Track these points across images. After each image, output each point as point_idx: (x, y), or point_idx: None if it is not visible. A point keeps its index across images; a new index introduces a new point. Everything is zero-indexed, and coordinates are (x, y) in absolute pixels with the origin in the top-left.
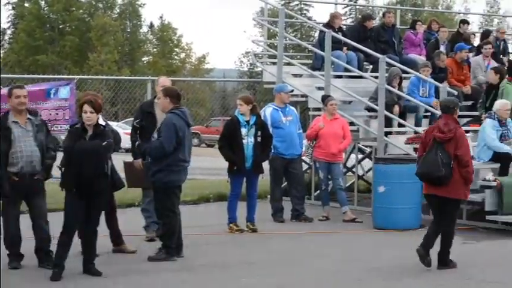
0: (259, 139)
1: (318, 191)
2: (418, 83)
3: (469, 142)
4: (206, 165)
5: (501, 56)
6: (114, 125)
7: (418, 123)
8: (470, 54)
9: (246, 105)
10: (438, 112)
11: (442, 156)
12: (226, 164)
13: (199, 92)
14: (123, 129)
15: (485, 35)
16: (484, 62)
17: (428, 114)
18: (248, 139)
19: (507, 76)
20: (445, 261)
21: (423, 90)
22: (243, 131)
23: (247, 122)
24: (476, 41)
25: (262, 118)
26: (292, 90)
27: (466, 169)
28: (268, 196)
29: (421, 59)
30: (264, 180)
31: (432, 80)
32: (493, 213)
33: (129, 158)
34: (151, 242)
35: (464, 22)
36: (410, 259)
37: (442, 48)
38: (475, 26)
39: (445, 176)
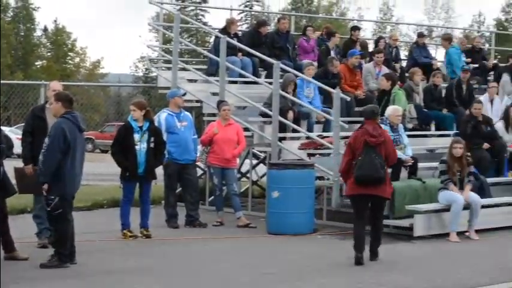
0: (152, 145)
1: (212, 197)
2: (302, 83)
3: None
4: (100, 170)
5: (393, 63)
6: (6, 130)
7: (310, 129)
8: (363, 61)
9: (139, 111)
10: (330, 118)
11: (379, 159)
12: (119, 170)
13: (94, 97)
14: (15, 134)
15: (378, 42)
16: (375, 69)
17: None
18: (141, 145)
19: (399, 82)
20: (377, 253)
21: (308, 90)
22: (136, 136)
23: (141, 127)
24: (370, 48)
25: (157, 123)
26: (185, 94)
27: (387, 168)
28: (163, 202)
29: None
30: (158, 185)
31: (315, 81)
32: (385, 218)
33: (21, 163)
34: (43, 248)
35: (356, 28)
36: (303, 263)
37: (333, 54)
38: (368, 33)
39: (383, 177)
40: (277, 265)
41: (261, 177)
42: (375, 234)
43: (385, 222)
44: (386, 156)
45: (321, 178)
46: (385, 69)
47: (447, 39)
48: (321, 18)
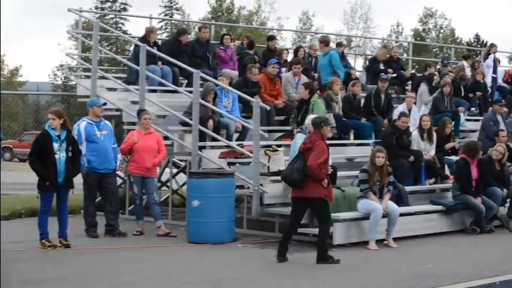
0: (70, 154)
1: (132, 206)
2: (221, 94)
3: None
4: (18, 180)
5: (313, 72)
6: None
7: (230, 138)
8: (284, 69)
9: (58, 120)
10: (250, 126)
11: (299, 163)
12: (38, 179)
13: (12, 106)
14: None
15: (297, 51)
16: (295, 78)
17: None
18: (60, 154)
19: (318, 91)
20: (324, 257)
21: (226, 100)
22: (55, 145)
23: (59, 136)
24: (290, 57)
25: (76, 132)
26: (105, 104)
27: (312, 172)
28: (82, 211)
29: (234, 73)
30: (75, 194)
31: (234, 90)
32: (305, 226)
33: None
34: None
35: (272, 38)
36: (223, 272)
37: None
38: (288, 43)
39: (297, 179)
40: (197, 274)
41: (181, 186)
42: (318, 240)
43: (305, 230)
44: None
45: (241, 187)
46: (304, 79)
47: (323, 41)
48: (241, 27)
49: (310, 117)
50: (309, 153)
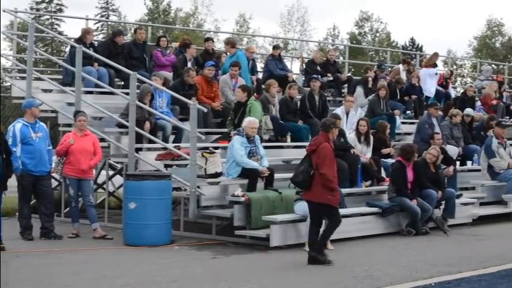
0: (4, 156)
1: (68, 208)
2: (155, 94)
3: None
4: None
5: (250, 75)
6: None
7: (166, 140)
8: (220, 71)
9: None
10: (187, 128)
11: (304, 165)
12: None
13: None
14: None
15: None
16: (232, 80)
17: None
18: None
19: (255, 94)
20: (316, 259)
21: (161, 100)
22: None
23: None
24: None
25: (11, 134)
26: (41, 104)
27: (323, 176)
28: (17, 213)
29: (170, 75)
30: (13, 197)
31: (167, 90)
32: (242, 228)
33: None
34: None
35: (209, 40)
36: (159, 275)
37: (189, 65)
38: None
39: (302, 181)
40: (134, 277)
41: (118, 188)
42: (320, 235)
43: (242, 232)
44: (317, 165)
45: (178, 189)
46: (241, 81)
47: (229, 43)
48: (178, 29)
49: (247, 120)
50: (314, 156)
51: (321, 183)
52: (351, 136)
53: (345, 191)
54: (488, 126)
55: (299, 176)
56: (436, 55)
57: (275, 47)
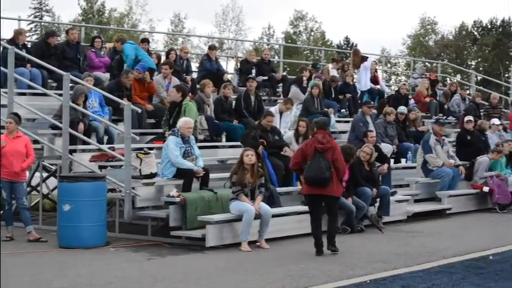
0: None
1: (1, 211)
2: (89, 94)
3: None
4: None
5: (184, 75)
6: None
7: (100, 141)
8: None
9: None
10: (120, 130)
11: (324, 162)
12: None
13: None
14: None
15: (168, 54)
16: (165, 80)
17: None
18: None
19: (190, 94)
20: (335, 245)
21: (91, 101)
22: None
23: None
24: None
25: None
26: None
27: (340, 171)
28: None
29: (105, 77)
30: None
31: (99, 90)
32: (177, 229)
33: None
34: None
35: (145, 41)
36: (94, 277)
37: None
38: (160, 45)
39: (328, 178)
40: (69, 279)
41: (52, 190)
42: (329, 231)
43: (178, 233)
44: (333, 160)
45: (112, 190)
46: (175, 81)
47: (119, 40)
48: (112, 29)
49: (182, 120)
50: (329, 153)
51: (337, 178)
52: (287, 135)
53: (280, 190)
54: (409, 118)
55: (325, 173)
56: (355, 54)
57: (211, 48)
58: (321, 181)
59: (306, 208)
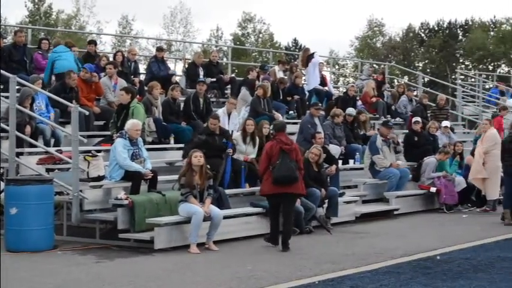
0: None
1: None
2: (36, 96)
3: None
4: None
5: (132, 77)
6: None
7: (47, 144)
8: (102, 74)
9: None
10: (68, 132)
11: (293, 162)
12: None
13: None
14: None
15: (115, 56)
16: (111, 82)
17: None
18: None
19: (137, 96)
20: (288, 245)
21: (38, 103)
22: None
23: None
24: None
25: None
26: None
27: (302, 170)
28: None
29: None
30: None
31: (43, 91)
32: (126, 231)
33: None
34: None
35: (92, 42)
36: (42, 281)
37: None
38: (108, 47)
39: (298, 176)
40: (16, 283)
41: None
42: (287, 228)
43: (126, 236)
44: (297, 161)
45: (60, 193)
46: (121, 82)
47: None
48: (60, 31)
49: (130, 122)
50: (293, 153)
51: (301, 176)
52: (235, 135)
53: (228, 191)
54: (358, 120)
55: (296, 172)
56: (305, 51)
57: (159, 49)
58: (292, 180)
59: (254, 210)
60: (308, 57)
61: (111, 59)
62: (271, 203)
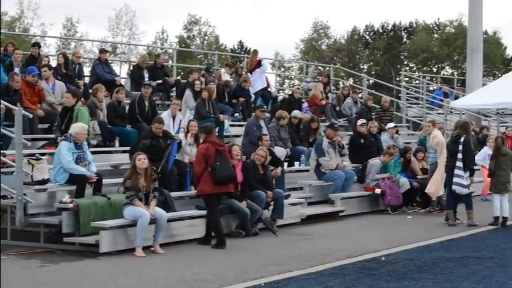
0: None
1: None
2: None
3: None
4: None
5: (77, 79)
6: None
7: None
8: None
9: None
10: (12, 135)
11: (229, 163)
12: None
13: None
14: None
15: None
16: (48, 84)
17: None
18: None
19: (82, 99)
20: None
21: None
22: None
23: None
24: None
25: None
26: None
27: None
28: None
29: None
30: None
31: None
32: (71, 235)
33: None
34: None
35: (35, 45)
36: None
37: (17, 70)
38: (52, 49)
39: (236, 176)
40: None
41: None
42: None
43: (71, 239)
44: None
45: (4, 197)
46: (59, 84)
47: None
48: (3, 33)
49: (78, 126)
50: (226, 154)
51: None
52: (180, 137)
53: (174, 194)
54: (310, 128)
55: (234, 172)
56: (254, 53)
57: (102, 51)
58: (232, 179)
59: (199, 212)
60: (257, 64)
61: (55, 61)
62: (211, 203)
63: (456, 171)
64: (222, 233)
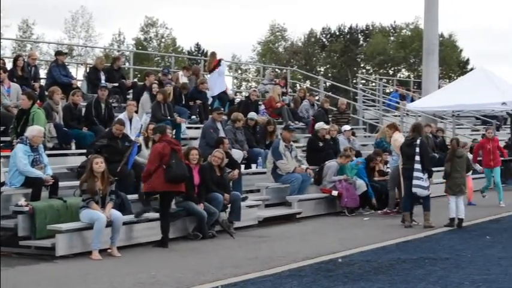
0: None
1: None
2: None
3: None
4: None
5: (32, 82)
6: None
7: None
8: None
9: None
10: None
11: (183, 162)
12: None
13: None
14: None
15: (16, 60)
16: (4, 86)
17: None
18: None
19: (38, 101)
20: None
21: None
22: None
23: None
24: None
25: None
26: None
27: None
28: None
29: None
30: None
31: None
32: (26, 239)
33: None
34: None
35: None
36: None
37: None
38: (8, 52)
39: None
40: None
41: None
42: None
43: (27, 243)
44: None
45: None
46: (15, 86)
47: None
48: None
49: (35, 129)
50: (181, 153)
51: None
52: (137, 140)
53: (131, 197)
54: (266, 130)
55: (187, 171)
56: (213, 55)
57: (59, 53)
58: (185, 178)
59: (157, 215)
60: (215, 65)
61: (10, 63)
62: (164, 202)
63: (415, 174)
64: (168, 233)
